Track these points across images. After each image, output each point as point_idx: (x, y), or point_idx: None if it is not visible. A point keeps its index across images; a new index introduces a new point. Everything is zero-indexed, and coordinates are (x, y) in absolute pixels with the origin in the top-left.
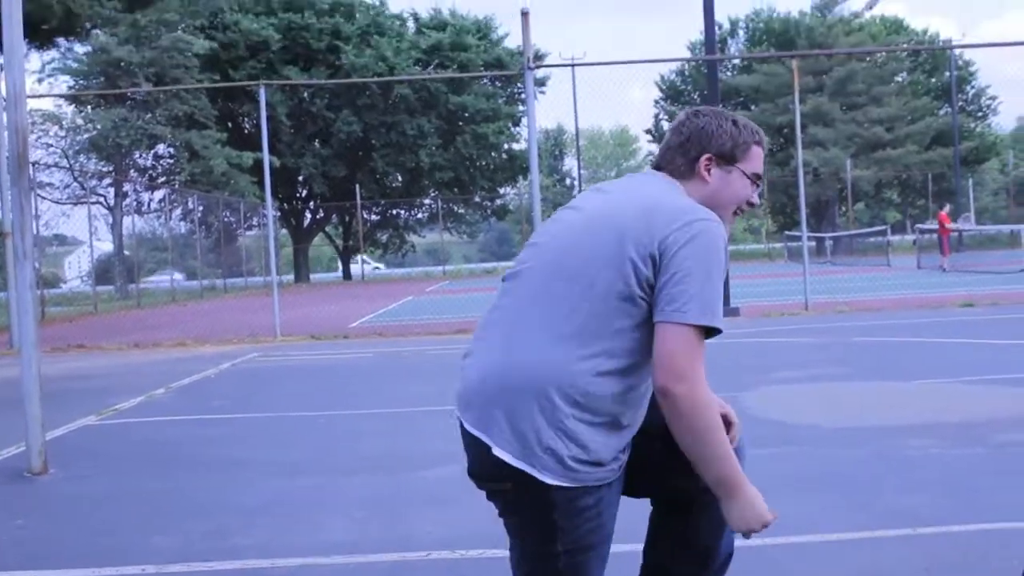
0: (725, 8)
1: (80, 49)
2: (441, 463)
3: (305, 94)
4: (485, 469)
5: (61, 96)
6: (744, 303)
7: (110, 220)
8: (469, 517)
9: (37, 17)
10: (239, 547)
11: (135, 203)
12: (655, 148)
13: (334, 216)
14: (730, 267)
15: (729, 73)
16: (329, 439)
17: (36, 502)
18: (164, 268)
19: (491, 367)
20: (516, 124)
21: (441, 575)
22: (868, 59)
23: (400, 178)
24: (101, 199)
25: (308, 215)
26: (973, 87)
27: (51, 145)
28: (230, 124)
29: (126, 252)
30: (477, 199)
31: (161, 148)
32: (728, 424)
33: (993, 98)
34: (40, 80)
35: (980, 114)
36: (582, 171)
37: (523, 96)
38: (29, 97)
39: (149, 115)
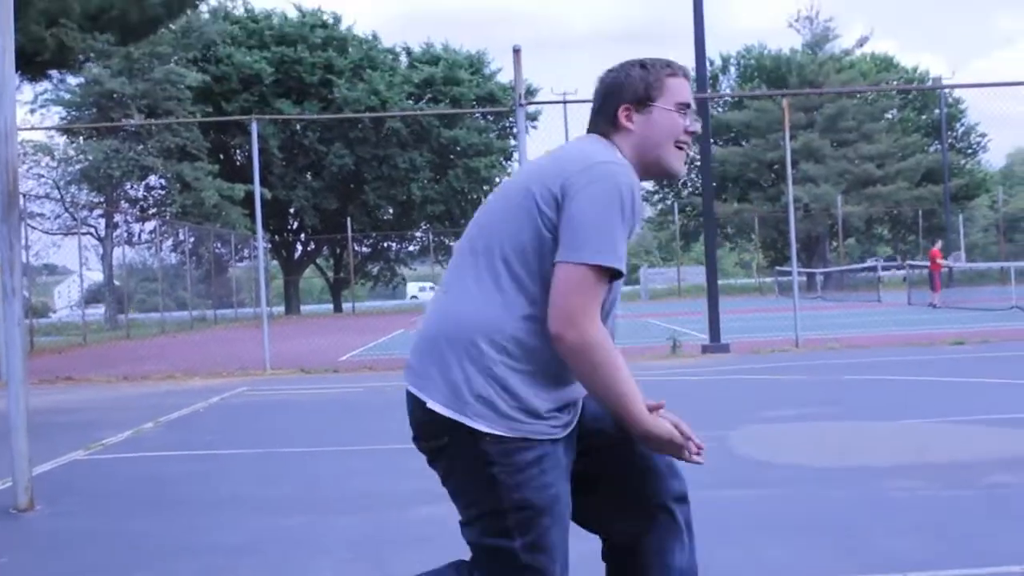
0: (717, 45)
1: (73, 80)
2: (426, 502)
3: (297, 127)
4: (423, 427)
5: (53, 128)
6: (734, 339)
7: (100, 251)
8: (454, 557)
9: (30, 50)
10: None
11: (126, 234)
12: (646, 184)
13: (325, 248)
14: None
15: (720, 109)
16: (316, 476)
17: (21, 539)
18: (154, 298)
19: (425, 328)
20: (508, 159)
21: None
22: (859, 96)
23: (391, 211)
24: (92, 230)
25: (299, 247)
26: (963, 124)
27: (42, 175)
28: (222, 156)
29: (116, 282)
30: None
31: (152, 179)
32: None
33: (983, 135)
34: (32, 111)
35: (970, 151)
36: None
37: (515, 131)
38: (21, 130)
39: (141, 146)
